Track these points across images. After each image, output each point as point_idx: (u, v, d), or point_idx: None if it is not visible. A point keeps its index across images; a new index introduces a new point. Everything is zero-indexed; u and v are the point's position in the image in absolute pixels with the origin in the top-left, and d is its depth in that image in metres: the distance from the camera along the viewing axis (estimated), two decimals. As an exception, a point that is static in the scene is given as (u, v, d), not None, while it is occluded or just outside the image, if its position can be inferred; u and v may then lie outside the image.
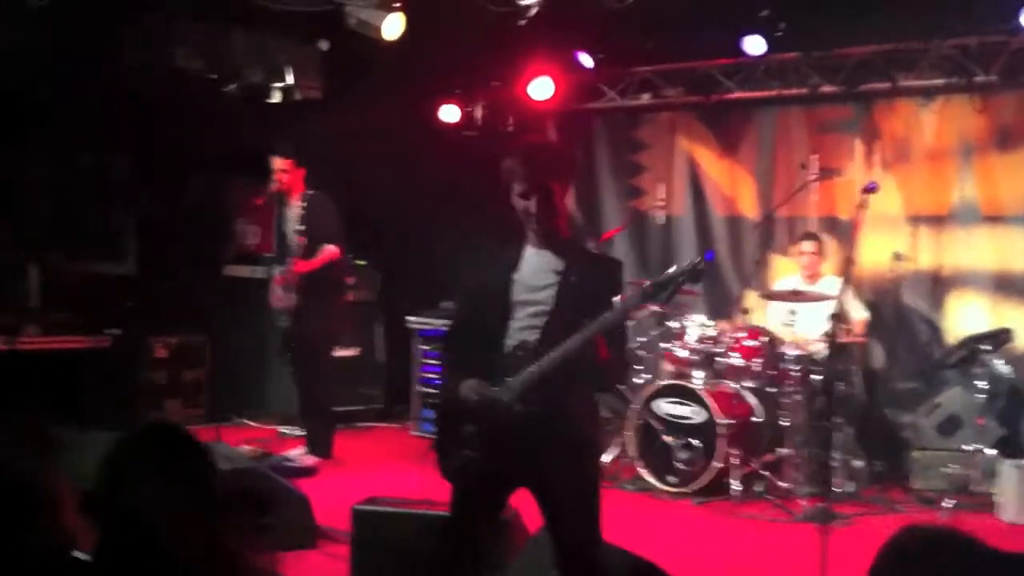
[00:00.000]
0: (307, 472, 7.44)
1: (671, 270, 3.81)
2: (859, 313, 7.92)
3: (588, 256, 4.08)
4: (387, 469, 7.93)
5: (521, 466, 3.85)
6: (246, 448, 7.56)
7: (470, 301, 4.15)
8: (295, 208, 7.81)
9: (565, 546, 3.88)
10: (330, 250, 7.69)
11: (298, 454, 7.83)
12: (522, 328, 3.82)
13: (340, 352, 8.71)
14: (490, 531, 4.08)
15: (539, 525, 4.64)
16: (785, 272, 8.36)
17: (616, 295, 3.90)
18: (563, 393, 3.73)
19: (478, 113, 9.95)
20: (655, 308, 8.09)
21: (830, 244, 8.29)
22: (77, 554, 2.50)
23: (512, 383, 3.74)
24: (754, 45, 8.08)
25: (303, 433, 8.10)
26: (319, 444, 7.83)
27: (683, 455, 7.21)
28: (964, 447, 7.19)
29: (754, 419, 7.30)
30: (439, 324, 9.14)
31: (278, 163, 7.74)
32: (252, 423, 9.20)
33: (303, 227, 7.73)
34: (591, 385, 3.95)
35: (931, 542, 2.00)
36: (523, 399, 3.72)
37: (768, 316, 7.64)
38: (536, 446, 3.77)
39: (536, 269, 3.87)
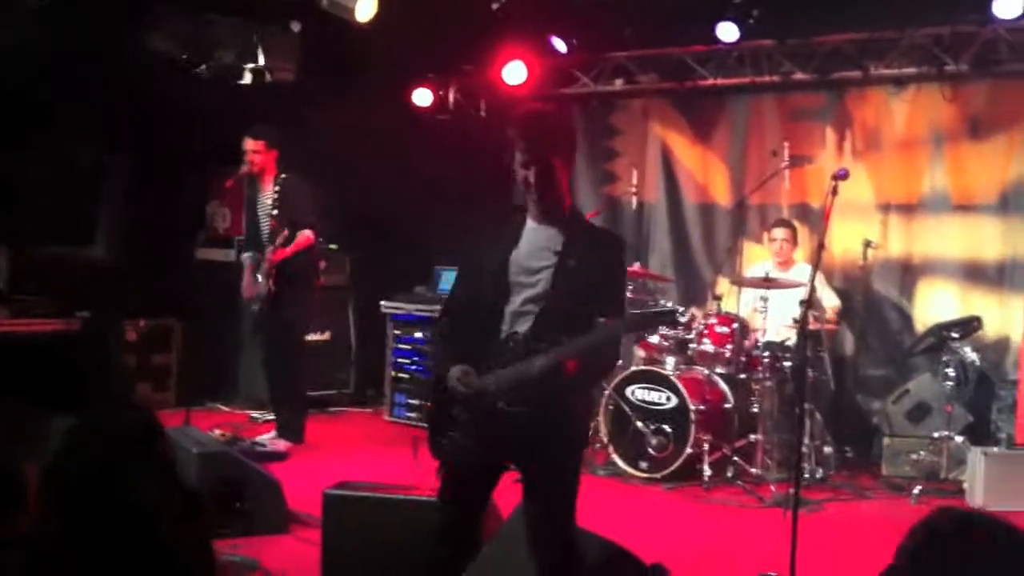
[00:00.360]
0: (278, 457, 7.42)
1: (655, 309, 3.89)
2: (831, 300, 7.98)
3: (589, 233, 3.94)
4: (359, 454, 7.92)
5: (507, 456, 3.88)
6: (217, 432, 7.51)
7: (468, 277, 4.08)
8: (268, 192, 7.73)
9: (542, 533, 3.90)
10: (306, 235, 7.63)
11: (269, 438, 7.80)
12: (516, 314, 3.77)
13: (312, 337, 8.67)
14: (477, 514, 4.04)
15: (512, 509, 4.65)
16: (757, 259, 8.40)
17: (617, 276, 3.92)
18: (550, 390, 3.69)
19: (451, 97, 9.92)
20: (628, 294, 8.12)
21: (801, 231, 8.32)
22: None
23: (501, 376, 3.70)
24: (727, 32, 8.08)
25: (274, 418, 8.07)
26: (291, 429, 7.81)
27: (655, 441, 7.24)
28: (933, 434, 7.26)
29: (725, 405, 7.34)
30: (412, 309, 9.13)
31: (250, 144, 7.65)
32: (224, 407, 9.15)
33: (276, 212, 7.66)
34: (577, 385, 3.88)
35: (965, 523, 2.02)
36: (509, 394, 3.71)
37: (740, 303, 7.66)
38: (522, 439, 3.77)
39: (535, 247, 3.81)
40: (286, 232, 7.56)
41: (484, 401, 3.73)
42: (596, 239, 3.94)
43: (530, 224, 3.87)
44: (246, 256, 7.91)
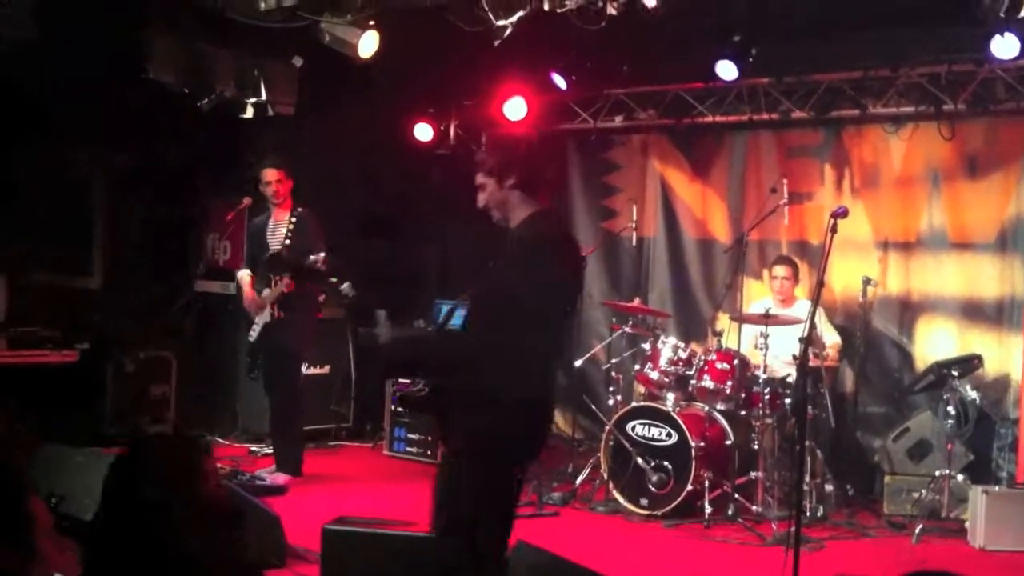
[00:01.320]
0: (278, 491, 7.38)
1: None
2: (832, 337, 7.97)
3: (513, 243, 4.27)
4: (358, 488, 7.87)
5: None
6: (216, 466, 7.47)
7: None
8: (283, 222, 7.78)
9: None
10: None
11: (269, 472, 7.76)
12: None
13: (311, 370, 8.66)
14: None
15: (511, 547, 4.63)
16: (757, 295, 8.41)
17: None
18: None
19: (452, 132, 9.96)
20: (627, 329, 8.13)
21: (802, 268, 8.34)
22: None
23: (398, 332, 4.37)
24: (726, 70, 8.12)
25: (273, 451, 8.04)
26: (289, 462, 7.77)
27: (655, 477, 7.21)
28: (934, 472, 7.24)
29: (726, 442, 7.31)
30: (411, 343, 9.10)
31: (272, 175, 7.72)
32: (221, 440, 9.10)
33: (289, 242, 7.70)
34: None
35: None
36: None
37: (740, 339, 7.66)
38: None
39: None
40: (286, 279, 7.59)
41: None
42: (512, 249, 4.25)
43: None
44: (244, 272, 7.92)
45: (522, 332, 3.96)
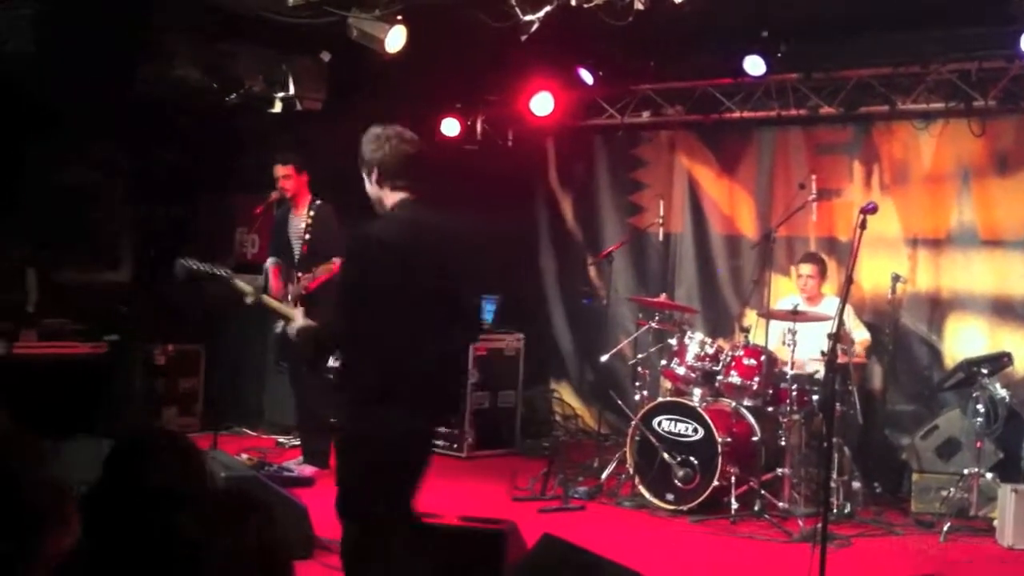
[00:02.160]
0: (305, 482, 7.41)
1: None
2: (861, 334, 7.91)
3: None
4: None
5: None
6: (244, 457, 7.53)
7: None
8: (302, 216, 7.82)
9: None
10: (336, 264, 7.68)
11: (296, 463, 7.80)
12: None
13: (337, 363, 8.67)
14: None
15: (536, 540, 4.64)
16: (784, 291, 8.37)
17: None
18: None
19: (479, 127, 9.98)
20: (654, 325, 8.12)
21: (829, 265, 8.29)
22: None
23: None
24: (754, 66, 8.10)
25: (300, 443, 8.08)
26: (316, 454, 7.80)
27: (681, 473, 7.19)
28: (963, 471, 7.18)
29: (753, 438, 7.29)
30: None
31: (280, 170, 7.75)
32: (250, 432, 9.16)
33: (308, 236, 7.73)
34: None
35: None
36: None
37: (768, 335, 7.63)
38: None
39: None
40: (307, 251, 7.60)
41: None
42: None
43: None
44: (270, 261, 7.96)
45: (358, 317, 4.25)
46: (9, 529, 2.10)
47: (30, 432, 2.20)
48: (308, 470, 7.69)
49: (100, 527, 2.36)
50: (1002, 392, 7.32)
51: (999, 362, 7.51)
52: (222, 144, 9.34)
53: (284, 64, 8.44)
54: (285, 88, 8.50)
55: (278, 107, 8.55)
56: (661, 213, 9.01)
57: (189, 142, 9.25)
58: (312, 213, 7.78)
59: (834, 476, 6.89)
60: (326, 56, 8.50)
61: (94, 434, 6.22)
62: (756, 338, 7.63)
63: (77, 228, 8.94)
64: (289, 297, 7.75)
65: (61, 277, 8.65)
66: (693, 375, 7.56)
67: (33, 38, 7.17)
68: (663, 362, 7.87)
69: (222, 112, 8.61)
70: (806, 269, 8.01)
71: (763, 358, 7.39)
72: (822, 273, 8.02)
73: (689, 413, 7.28)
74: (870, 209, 5.58)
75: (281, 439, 8.83)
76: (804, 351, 7.38)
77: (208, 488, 2.56)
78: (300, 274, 7.69)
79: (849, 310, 7.13)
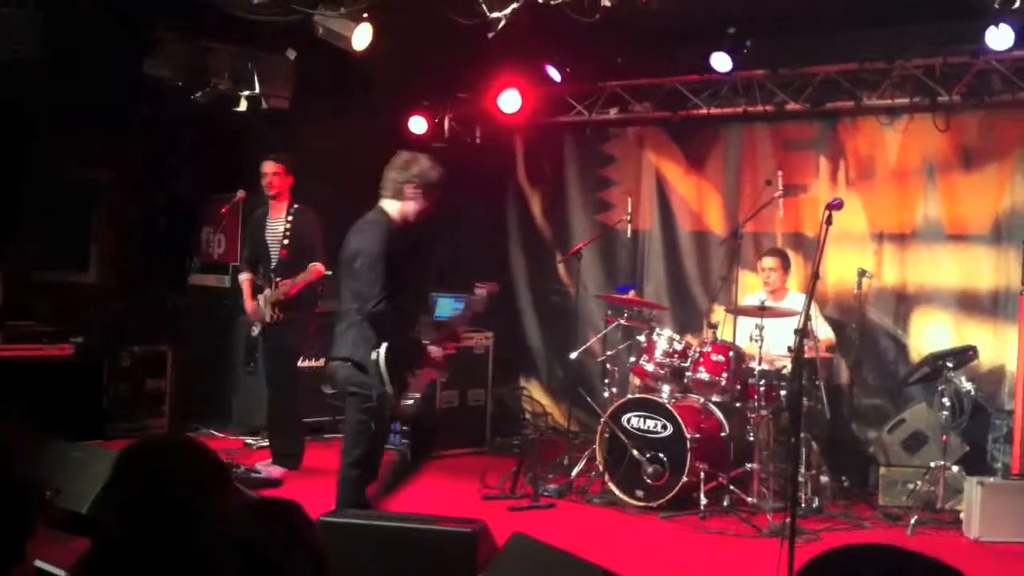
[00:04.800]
0: (273, 483, 7.38)
1: None
2: (825, 332, 7.94)
3: None
4: (353, 481, 7.86)
5: None
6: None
7: None
8: (280, 219, 7.75)
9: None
10: (317, 269, 7.65)
11: (265, 465, 7.76)
12: None
13: (307, 363, 8.65)
14: None
15: (507, 538, 4.64)
16: (752, 287, 8.41)
17: None
18: None
19: (446, 125, 9.96)
20: (623, 322, 8.13)
21: (796, 260, 8.34)
22: (42, 565, 2.45)
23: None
24: (721, 62, 8.13)
25: (269, 444, 8.04)
26: (289, 455, 7.76)
27: (650, 469, 7.21)
28: (929, 464, 7.24)
29: (721, 434, 7.31)
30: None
31: (270, 167, 7.69)
32: (217, 433, 9.10)
33: (287, 241, 7.68)
34: None
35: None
36: None
37: (736, 331, 7.66)
38: None
39: None
40: (287, 255, 7.58)
41: None
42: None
43: None
44: (243, 276, 7.91)
45: None
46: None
47: (31, 432, 2.18)
48: (277, 471, 7.65)
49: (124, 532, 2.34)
50: (968, 386, 7.39)
51: (965, 356, 7.57)
52: (189, 143, 9.27)
53: (250, 62, 8.38)
54: (251, 86, 8.45)
55: (243, 105, 8.49)
56: (629, 210, 9.03)
57: (156, 141, 9.18)
58: (291, 217, 7.71)
59: (802, 471, 6.93)
60: (292, 54, 8.45)
61: (61, 438, 6.15)
62: (724, 334, 7.66)
63: (44, 228, 8.85)
64: (262, 304, 7.70)
65: (28, 279, 8.55)
66: (662, 372, 7.58)
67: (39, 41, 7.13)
68: (632, 359, 7.89)
69: (190, 110, 8.54)
70: (769, 263, 8.05)
71: (731, 354, 7.41)
72: (785, 267, 8.06)
73: (658, 410, 7.30)
74: (836, 205, 5.61)
75: (249, 440, 8.78)
76: (771, 347, 7.42)
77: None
78: (279, 279, 7.64)
79: (814, 306, 7.17)
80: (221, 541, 2.20)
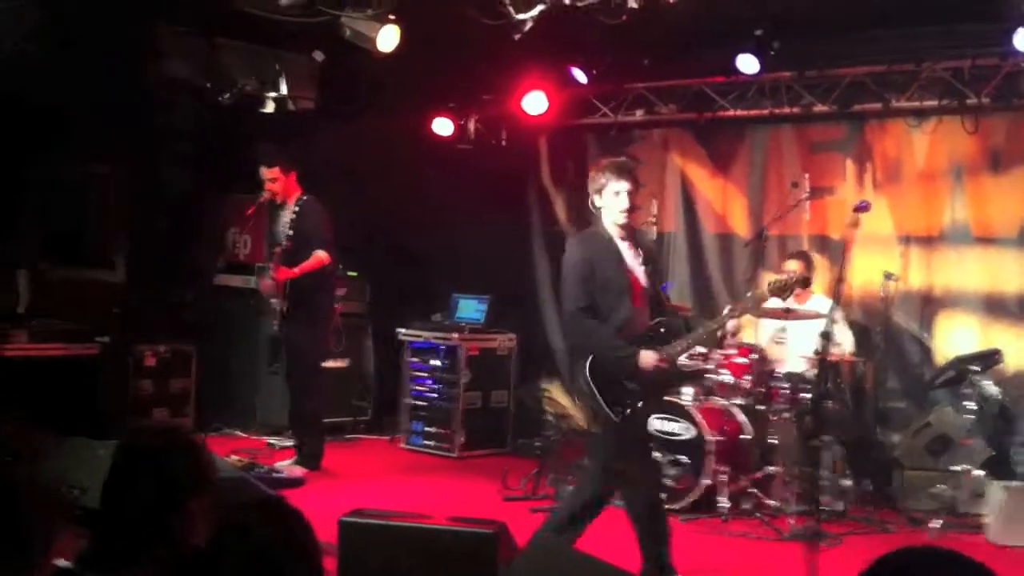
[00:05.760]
0: (295, 483, 7.41)
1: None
2: (846, 339, 7.85)
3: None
4: (375, 481, 7.90)
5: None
6: (234, 458, 7.52)
7: None
8: (288, 212, 7.82)
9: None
10: (318, 256, 7.67)
11: (287, 465, 7.79)
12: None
13: (329, 364, 8.69)
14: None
15: (528, 540, 4.64)
16: (776, 290, 8.34)
17: None
18: None
19: (471, 127, 9.97)
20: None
21: (821, 263, 8.29)
22: (61, 563, 2.47)
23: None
24: (747, 64, 8.10)
25: (292, 444, 8.08)
26: (308, 456, 7.80)
27: (671, 471, 7.19)
28: (953, 467, 7.18)
29: (743, 436, 7.29)
30: (430, 336, 9.11)
31: (266, 173, 7.76)
32: (241, 433, 9.15)
33: (291, 232, 7.74)
34: None
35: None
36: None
37: (759, 334, 7.63)
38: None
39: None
40: (279, 249, 7.63)
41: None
42: None
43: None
44: (265, 274, 8.02)
45: None
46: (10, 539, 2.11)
47: (33, 430, 2.22)
48: (298, 471, 7.68)
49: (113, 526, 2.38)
50: (993, 389, 7.33)
51: (990, 359, 7.51)
52: (216, 144, 9.33)
53: (277, 63, 8.43)
54: (277, 88, 8.50)
55: (270, 107, 8.54)
56: (654, 212, 9.00)
57: (183, 142, 9.25)
58: (297, 207, 7.79)
59: (825, 474, 6.89)
60: (319, 56, 8.49)
61: (86, 436, 6.19)
62: (747, 337, 7.62)
63: (70, 228, 8.92)
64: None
65: (53, 277, 8.63)
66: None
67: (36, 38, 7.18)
68: (655, 361, 7.85)
69: (216, 111, 8.60)
70: (792, 265, 7.98)
71: (754, 356, 7.38)
72: (808, 271, 7.99)
73: (680, 412, 7.27)
74: (863, 207, 5.58)
75: (272, 440, 8.82)
76: (795, 349, 7.38)
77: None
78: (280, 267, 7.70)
79: (838, 313, 7.12)
80: (219, 535, 2.22)
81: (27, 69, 7.41)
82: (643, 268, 5.56)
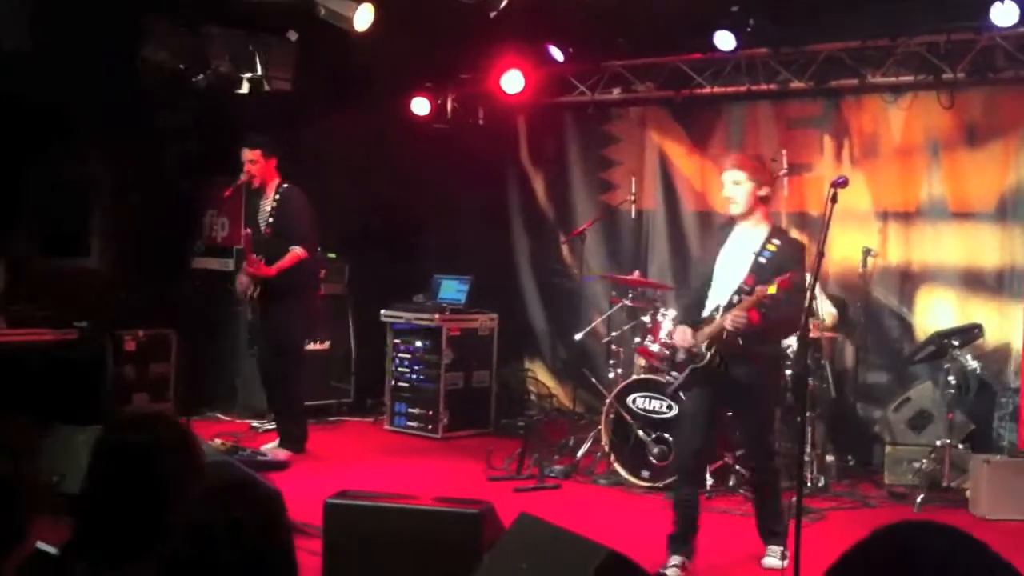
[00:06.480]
0: (279, 466, 7.39)
1: None
2: (827, 310, 7.92)
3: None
4: (359, 463, 7.90)
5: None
6: (217, 442, 7.50)
7: None
8: (269, 199, 7.77)
9: (748, 437, 6.14)
10: (295, 253, 7.62)
11: (271, 448, 7.78)
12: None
13: (311, 346, 8.66)
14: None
15: (513, 519, 4.64)
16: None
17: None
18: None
19: (449, 106, 9.93)
20: (627, 303, 8.12)
21: (800, 239, 8.27)
22: (42, 546, 2.46)
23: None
24: (724, 41, 8.09)
25: (275, 427, 8.06)
26: (291, 438, 7.79)
27: (656, 449, 7.22)
28: (935, 442, 7.24)
29: (727, 414, 7.29)
30: (411, 317, 9.09)
31: (247, 154, 7.69)
32: (223, 417, 9.12)
33: (271, 220, 7.69)
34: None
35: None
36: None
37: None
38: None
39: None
40: (248, 231, 7.64)
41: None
42: None
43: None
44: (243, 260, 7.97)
45: None
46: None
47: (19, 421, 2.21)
48: (282, 454, 7.67)
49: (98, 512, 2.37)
50: (973, 363, 7.37)
51: (970, 334, 7.55)
52: (191, 126, 9.25)
53: (251, 44, 8.34)
54: (253, 69, 8.42)
55: (246, 88, 8.46)
56: (633, 190, 9.00)
57: (158, 125, 9.15)
58: (277, 196, 7.73)
59: (807, 450, 6.93)
60: (293, 35, 8.42)
61: (65, 422, 6.15)
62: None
63: (46, 214, 8.83)
64: (244, 281, 7.73)
65: (30, 263, 8.54)
66: (667, 352, 7.55)
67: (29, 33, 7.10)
68: (637, 340, 7.88)
69: (193, 94, 8.52)
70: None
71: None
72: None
73: (663, 390, 7.29)
74: (840, 183, 5.57)
75: (255, 423, 8.81)
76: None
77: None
78: (258, 257, 7.63)
79: (816, 287, 7.14)
80: (202, 517, 2.21)
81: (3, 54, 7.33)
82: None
